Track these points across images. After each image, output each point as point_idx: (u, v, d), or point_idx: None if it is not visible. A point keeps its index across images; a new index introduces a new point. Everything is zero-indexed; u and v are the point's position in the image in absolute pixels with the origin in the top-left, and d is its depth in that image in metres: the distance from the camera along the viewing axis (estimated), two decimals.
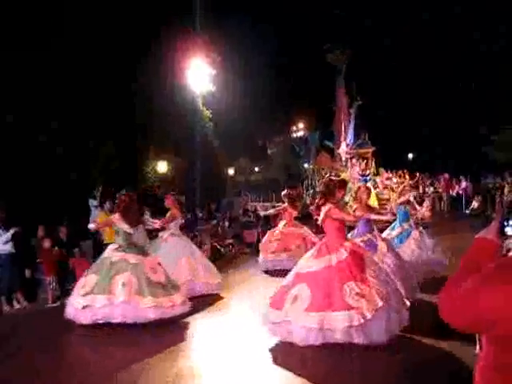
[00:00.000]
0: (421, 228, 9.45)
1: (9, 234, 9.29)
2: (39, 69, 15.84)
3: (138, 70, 19.22)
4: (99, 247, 11.00)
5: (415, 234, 9.17)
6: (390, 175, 21.70)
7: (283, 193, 11.83)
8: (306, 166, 37.41)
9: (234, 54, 24.02)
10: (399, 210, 9.23)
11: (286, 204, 11.71)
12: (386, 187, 21.00)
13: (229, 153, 28.24)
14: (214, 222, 16.87)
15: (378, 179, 21.56)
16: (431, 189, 24.05)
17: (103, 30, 18.01)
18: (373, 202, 19.50)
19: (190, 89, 19.58)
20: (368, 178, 20.71)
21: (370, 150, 23.00)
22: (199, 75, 19.41)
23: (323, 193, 6.41)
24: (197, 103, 20.51)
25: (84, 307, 7.07)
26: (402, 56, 31.92)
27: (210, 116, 23.54)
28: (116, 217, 7.85)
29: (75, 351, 6.78)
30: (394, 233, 9.10)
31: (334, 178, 6.77)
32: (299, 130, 38.54)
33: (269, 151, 39.35)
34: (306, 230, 11.60)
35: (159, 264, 7.78)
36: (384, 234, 8.79)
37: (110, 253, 7.67)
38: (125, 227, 7.77)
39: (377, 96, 28.00)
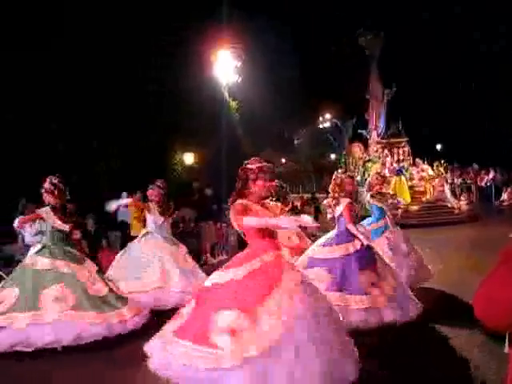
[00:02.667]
0: (397, 228, 8.22)
1: (38, 226, 9.39)
2: (70, 64, 16.00)
3: (164, 63, 19.29)
4: (126, 239, 11.09)
5: (388, 233, 7.97)
6: (426, 166, 21.26)
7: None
8: (332, 156, 37.21)
9: (260, 43, 23.90)
10: (373, 205, 8.17)
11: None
12: (421, 179, 20.64)
13: (255, 144, 28.21)
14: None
15: (414, 170, 21.14)
16: (460, 180, 23.63)
17: (134, 21, 18.11)
18: (405, 194, 19.22)
19: (217, 80, 19.58)
20: (402, 169, 20.35)
21: (404, 140, 22.51)
22: (225, 66, 19.39)
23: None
24: (223, 94, 20.49)
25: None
26: (435, 44, 31.29)
27: (237, 107, 23.52)
28: (151, 205, 7.92)
29: None
30: (368, 228, 7.88)
31: (340, 174, 6.74)
32: (326, 120, 38.25)
33: (295, 142, 39.20)
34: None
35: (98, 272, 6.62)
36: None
37: (33, 258, 6.35)
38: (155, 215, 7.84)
39: (407, 84, 27.48)
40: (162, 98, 19.40)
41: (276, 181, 8.83)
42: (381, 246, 7.45)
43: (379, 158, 21.74)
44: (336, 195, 6.57)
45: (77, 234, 10.21)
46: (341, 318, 4.26)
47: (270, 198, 8.54)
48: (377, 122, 23.17)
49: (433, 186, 19.91)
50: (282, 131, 37.15)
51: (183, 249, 8.05)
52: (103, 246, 11.64)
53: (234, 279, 4.00)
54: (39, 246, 6.38)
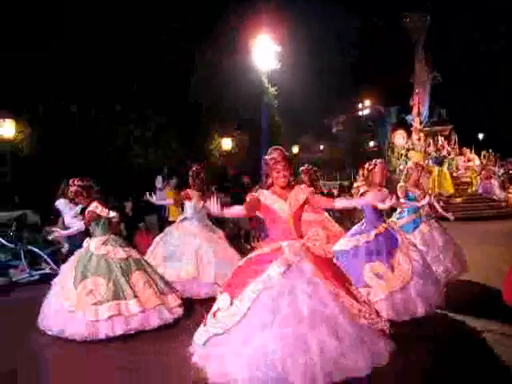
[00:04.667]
0: (433, 221, 7.80)
1: (77, 209, 9.56)
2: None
3: (203, 48, 19.29)
4: (163, 223, 11.21)
5: (424, 227, 7.63)
6: (473, 156, 20.46)
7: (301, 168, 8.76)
8: (371, 144, 36.78)
9: (300, 31, 23.67)
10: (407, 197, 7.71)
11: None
12: (468, 169, 19.93)
13: (293, 130, 28.06)
14: None
15: (460, 160, 20.41)
16: (501, 170, 22.96)
17: (173, 5, 18.11)
18: (447, 185, 18.77)
19: (256, 66, 19.50)
20: (443, 159, 19.73)
21: (448, 128, 21.70)
22: (265, 52, 19.27)
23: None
24: (262, 80, 20.40)
25: (109, 317, 5.75)
26: (483, 29, 30.42)
27: (275, 93, 23.42)
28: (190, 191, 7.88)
29: None
30: (401, 221, 7.68)
31: (370, 163, 6.43)
32: (366, 107, 37.81)
33: (334, 129, 38.90)
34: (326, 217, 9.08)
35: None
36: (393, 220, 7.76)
37: (105, 248, 6.30)
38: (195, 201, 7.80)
39: (452, 70, 26.74)
40: (202, 83, 19.40)
41: (306, 165, 8.75)
42: (415, 240, 7.16)
43: (421, 146, 21.09)
44: (364, 184, 6.40)
45: (116, 217, 10.39)
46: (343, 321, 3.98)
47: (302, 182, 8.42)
48: (420, 109, 22.36)
49: (479, 177, 19.12)
50: (321, 118, 36.90)
51: (221, 235, 8.04)
52: (141, 229, 11.80)
53: (239, 265, 4.36)
54: (103, 238, 6.38)
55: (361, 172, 6.54)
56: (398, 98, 28.71)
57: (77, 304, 5.81)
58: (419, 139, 21.74)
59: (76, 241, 9.50)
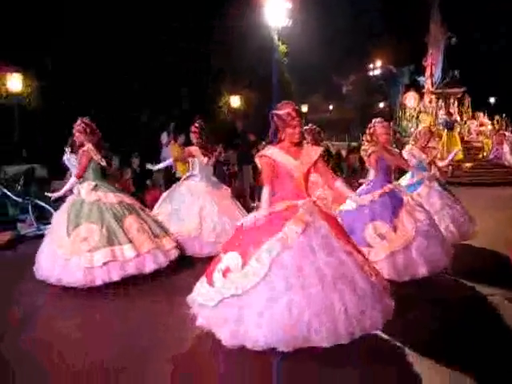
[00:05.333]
0: (435, 184, 7.55)
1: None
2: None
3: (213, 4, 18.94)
4: (171, 179, 11.19)
5: (422, 189, 7.45)
6: (487, 120, 19.97)
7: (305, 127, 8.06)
8: (381, 105, 36.38)
9: None
10: (413, 159, 7.61)
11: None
12: (480, 134, 19.51)
13: (303, 89, 27.76)
14: None
15: (472, 124, 19.91)
16: None
17: None
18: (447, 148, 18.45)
19: (267, 22, 19.15)
20: (454, 122, 19.33)
21: (461, 91, 21.10)
22: (276, 9, 18.88)
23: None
24: (272, 38, 20.08)
25: (105, 263, 5.77)
26: None
27: (286, 51, 23.08)
28: (193, 148, 7.76)
29: None
30: (415, 179, 7.47)
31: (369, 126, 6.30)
32: (377, 67, 37.27)
33: (343, 89, 38.46)
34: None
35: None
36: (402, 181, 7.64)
37: (96, 194, 6.23)
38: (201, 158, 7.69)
39: (467, 32, 26.06)
40: (210, 39, 19.12)
41: (310, 125, 8.53)
42: None
43: (432, 109, 20.70)
44: (371, 145, 6.28)
45: (128, 174, 10.41)
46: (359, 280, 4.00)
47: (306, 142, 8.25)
48: (433, 70, 21.81)
49: (491, 142, 18.79)
50: (331, 78, 36.44)
51: (227, 193, 7.99)
52: (148, 184, 11.82)
53: (247, 222, 4.13)
54: (93, 184, 6.31)
55: (364, 137, 6.41)
56: (410, 58, 28.13)
57: (71, 252, 5.80)
58: (431, 101, 21.34)
59: None
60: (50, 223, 9.23)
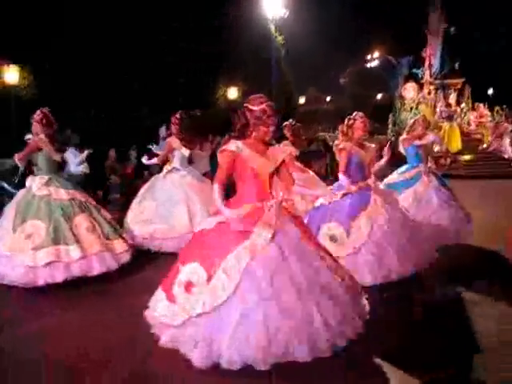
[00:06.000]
0: (433, 178, 7.37)
1: (83, 156, 9.54)
2: None
3: None
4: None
5: (419, 185, 7.22)
6: (487, 112, 19.78)
7: (284, 123, 8.42)
8: (378, 96, 36.30)
9: None
10: (410, 150, 7.46)
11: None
12: (479, 125, 19.32)
13: (299, 81, 27.67)
14: None
15: (472, 115, 19.57)
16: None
17: None
18: (456, 142, 18.34)
19: (263, 12, 19.08)
20: (453, 113, 19.18)
21: (460, 81, 20.89)
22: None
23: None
24: (269, 28, 20.05)
25: (48, 263, 5.49)
26: None
27: (282, 42, 23.00)
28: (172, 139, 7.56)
29: None
30: (407, 174, 7.32)
31: (349, 117, 5.95)
32: (374, 59, 37.13)
33: (341, 81, 38.33)
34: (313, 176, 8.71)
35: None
36: (391, 177, 7.50)
37: (46, 189, 5.98)
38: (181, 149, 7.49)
39: (467, 22, 25.81)
40: (204, 29, 19.03)
41: (290, 120, 8.34)
42: (406, 200, 6.92)
43: (431, 100, 20.57)
44: (343, 139, 5.98)
45: (131, 164, 10.35)
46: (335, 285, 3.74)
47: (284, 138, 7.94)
48: (431, 61, 21.60)
49: (491, 134, 18.47)
50: (328, 69, 36.32)
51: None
52: (145, 175, 11.82)
53: (206, 228, 3.81)
54: (46, 178, 6.05)
55: (340, 128, 6.06)
56: (409, 49, 27.92)
57: (14, 249, 5.55)
58: (430, 92, 21.21)
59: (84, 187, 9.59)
60: None
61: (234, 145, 3.81)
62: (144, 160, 8.13)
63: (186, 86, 18.63)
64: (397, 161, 7.65)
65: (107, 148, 11.28)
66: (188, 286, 3.64)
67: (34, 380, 3.71)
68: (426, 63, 22.01)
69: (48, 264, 5.49)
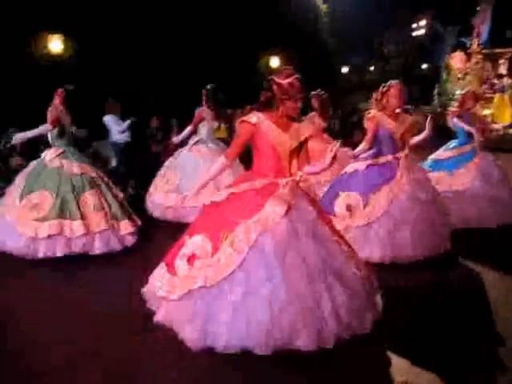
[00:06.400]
0: (487, 154, 7.12)
1: (125, 124, 9.63)
2: None
3: None
4: None
5: (478, 159, 6.98)
6: None
7: (312, 93, 8.05)
8: (424, 66, 35.38)
9: None
10: (459, 127, 7.12)
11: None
12: None
13: (343, 50, 27.19)
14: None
15: None
16: None
17: None
18: (505, 115, 17.63)
19: None
20: (504, 86, 18.46)
21: (511, 51, 19.73)
22: None
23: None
24: None
25: (49, 236, 5.47)
26: None
27: (326, 11, 22.58)
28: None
29: None
30: (448, 153, 7.13)
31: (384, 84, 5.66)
32: (421, 27, 36.10)
33: (385, 50, 37.47)
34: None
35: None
36: (434, 155, 7.27)
37: (58, 161, 5.89)
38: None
39: None
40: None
41: (318, 90, 7.94)
42: (469, 174, 6.77)
43: (479, 71, 19.62)
44: (375, 107, 5.72)
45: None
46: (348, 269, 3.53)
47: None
48: (480, 29, 20.47)
49: None
50: (373, 38, 35.56)
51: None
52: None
53: (216, 200, 3.63)
54: (60, 150, 5.98)
55: (374, 95, 5.77)
56: (458, 17, 26.84)
57: (18, 218, 5.53)
58: (477, 62, 20.46)
59: (123, 157, 9.69)
60: None
61: (255, 117, 3.60)
62: (175, 140, 8.00)
63: (229, 55, 18.53)
64: (442, 135, 7.44)
65: (149, 117, 11.36)
66: (191, 259, 3.47)
67: None
68: (475, 32, 21.11)
69: (49, 237, 5.45)
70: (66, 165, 5.84)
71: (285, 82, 3.52)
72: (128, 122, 9.60)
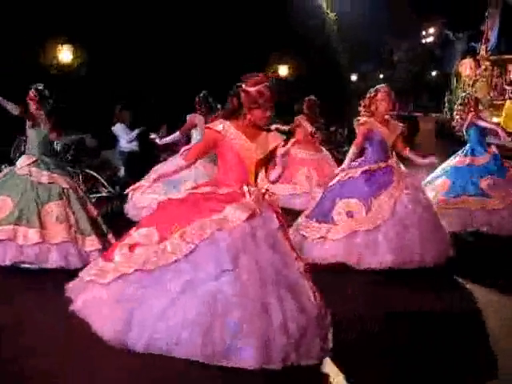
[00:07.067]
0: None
1: (134, 133, 9.65)
2: None
3: None
4: None
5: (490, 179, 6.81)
6: None
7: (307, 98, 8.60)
8: (434, 73, 35.31)
9: None
10: (473, 130, 6.97)
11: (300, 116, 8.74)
12: None
13: (352, 58, 27.19)
14: (333, 128, 16.39)
15: None
16: None
17: None
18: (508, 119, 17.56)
19: None
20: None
21: None
22: None
23: None
24: (321, 5, 19.73)
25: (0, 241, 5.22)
26: None
27: (334, 18, 22.60)
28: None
29: None
30: (483, 157, 6.90)
31: (371, 90, 5.59)
32: (429, 34, 36.08)
33: (394, 58, 37.47)
34: (326, 155, 8.98)
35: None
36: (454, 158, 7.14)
37: (27, 169, 5.60)
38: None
39: None
40: (256, 6, 18.89)
41: (311, 96, 8.21)
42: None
43: (488, 77, 19.61)
44: (365, 114, 5.63)
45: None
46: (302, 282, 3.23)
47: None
48: (488, 35, 20.48)
49: None
50: (382, 46, 35.54)
51: None
52: None
53: (173, 198, 3.44)
54: (33, 158, 5.69)
55: (363, 101, 5.67)
56: (468, 23, 26.71)
57: None
58: (486, 69, 20.41)
59: (128, 165, 9.69)
60: (99, 192, 9.47)
61: (221, 124, 3.40)
62: (157, 139, 7.98)
63: (236, 64, 18.58)
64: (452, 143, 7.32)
65: (158, 126, 11.36)
66: (133, 246, 3.12)
67: None
68: (484, 37, 21.05)
69: (0, 241, 5.21)
70: (35, 173, 5.55)
71: (253, 89, 3.31)
72: (136, 131, 9.62)
